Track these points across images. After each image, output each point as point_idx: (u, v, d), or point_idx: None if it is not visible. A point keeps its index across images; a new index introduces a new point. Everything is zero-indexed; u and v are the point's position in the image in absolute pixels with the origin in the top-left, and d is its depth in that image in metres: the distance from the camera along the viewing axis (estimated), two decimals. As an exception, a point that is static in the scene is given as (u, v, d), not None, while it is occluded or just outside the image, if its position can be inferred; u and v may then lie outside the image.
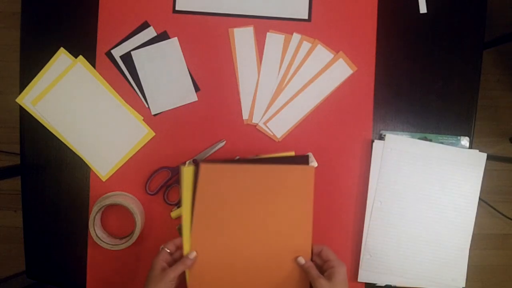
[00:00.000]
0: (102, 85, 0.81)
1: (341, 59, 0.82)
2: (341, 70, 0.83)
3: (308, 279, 0.68)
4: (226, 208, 0.70)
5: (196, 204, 0.69)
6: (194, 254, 0.69)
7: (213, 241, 0.70)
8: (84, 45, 0.81)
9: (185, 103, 0.82)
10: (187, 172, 0.69)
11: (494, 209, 1.57)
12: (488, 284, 1.60)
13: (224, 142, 0.81)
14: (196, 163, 0.70)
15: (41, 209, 0.82)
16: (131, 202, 0.77)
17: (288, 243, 0.70)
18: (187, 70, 0.82)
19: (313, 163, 0.82)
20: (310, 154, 0.82)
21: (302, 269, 0.69)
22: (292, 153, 0.77)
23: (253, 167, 0.71)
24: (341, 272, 0.66)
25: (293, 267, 0.70)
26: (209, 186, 0.69)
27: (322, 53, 0.82)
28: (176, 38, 0.82)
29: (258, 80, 0.82)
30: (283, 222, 0.70)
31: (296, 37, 0.82)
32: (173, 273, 0.65)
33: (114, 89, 0.81)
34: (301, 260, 0.69)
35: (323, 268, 0.69)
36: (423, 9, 0.83)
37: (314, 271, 0.67)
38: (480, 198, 0.82)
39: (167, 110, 0.82)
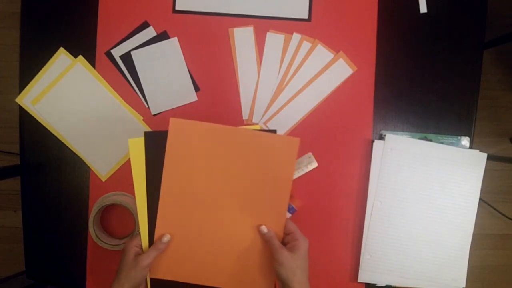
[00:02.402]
0: (102, 85, 0.81)
1: (341, 59, 0.82)
2: (341, 70, 0.82)
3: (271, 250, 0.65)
4: (198, 173, 0.65)
5: (165, 167, 0.64)
6: (167, 237, 0.66)
7: (182, 210, 0.66)
8: (84, 45, 0.81)
9: (185, 103, 0.82)
10: (134, 144, 0.64)
11: (494, 209, 1.57)
12: (488, 284, 1.60)
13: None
14: (146, 134, 0.64)
15: (41, 209, 0.82)
16: (131, 202, 0.77)
17: (261, 215, 0.67)
18: (187, 70, 0.82)
19: (313, 163, 0.82)
20: (310, 154, 0.82)
21: (264, 238, 0.66)
22: (258, 127, 0.71)
23: (233, 129, 0.65)
24: (304, 246, 0.64)
25: (260, 238, 0.67)
26: (179, 146, 0.64)
27: (322, 53, 0.82)
28: (176, 38, 0.82)
29: (258, 80, 0.82)
30: (259, 192, 0.67)
31: (296, 37, 0.82)
32: (146, 261, 0.63)
33: (114, 89, 0.81)
34: (264, 229, 0.66)
35: (285, 240, 0.67)
36: (423, 9, 0.83)
37: (276, 242, 0.65)
38: (480, 198, 0.82)
39: (167, 110, 0.82)
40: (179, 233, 0.67)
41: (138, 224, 0.76)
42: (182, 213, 0.67)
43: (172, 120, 0.64)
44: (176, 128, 0.64)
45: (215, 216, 0.68)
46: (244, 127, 0.69)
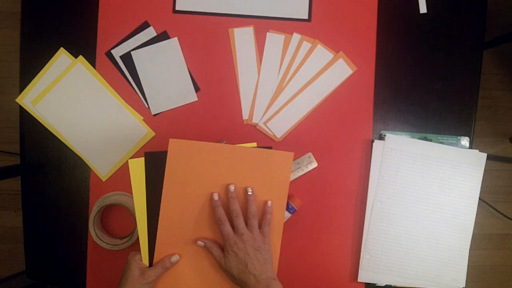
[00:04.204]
0: (102, 85, 0.81)
1: (341, 59, 0.82)
2: (341, 70, 0.83)
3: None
4: (197, 192, 0.66)
5: (165, 186, 0.65)
6: (176, 257, 0.67)
7: (181, 229, 0.67)
8: (84, 45, 0.81)
9: (185, 103, 0.82)
10: (134, 164, 0.64)
11: (494, 209, 1.57)
12: (488, 284, 1.60)
13: (224, 142, 0.81)
14: (146, 154, 0.65)
15: (41, 209, 0.82)
16: (131, 202, 0.77)
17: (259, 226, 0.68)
18: (187, 70, 0.82)
19: (313, 163, 0.82)
20: (310, 154, 0.82)
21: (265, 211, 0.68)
22: (254, 144, 0.73)
23: (230, 147, 0.67)
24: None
25: None
26: (178, 165, 0.65)
27: (322, 53, 0.82)
28: (176, 38, 0.82)
29: (258, 80, 0.82)
30: (257, 206, 0.68)
31: (296, 37, 0.82)
32: (153, 276, 0.64)
33: (114, 89, 0.81)
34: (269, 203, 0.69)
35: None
36: (423, 9, 0.83)
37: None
38: (480, 198, 0.82)
39: (167, 110, 0.82)
40: (178, 251, 0.68)
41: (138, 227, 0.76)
42: (182, 232, 0.68)
43: (171, 141, 0.66)
44: (175, 149, 0.66)
45: (214, 233, 0.69)
46: (241, 145, 0.70)
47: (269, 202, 0.68)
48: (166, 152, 0.66)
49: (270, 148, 0.70)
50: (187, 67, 0.82)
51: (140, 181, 0.65)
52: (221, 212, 0.66)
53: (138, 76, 0.81)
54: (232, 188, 0.66)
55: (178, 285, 0.68)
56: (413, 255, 0.81)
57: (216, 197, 0.66)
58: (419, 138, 0.82)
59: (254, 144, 0.71)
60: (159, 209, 0.67)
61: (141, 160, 0.65)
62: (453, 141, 0.83)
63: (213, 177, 0.67)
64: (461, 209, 0.82)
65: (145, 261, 0.67)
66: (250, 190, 0.67)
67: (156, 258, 0.67)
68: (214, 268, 0.69)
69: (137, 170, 0.65)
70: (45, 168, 0.82)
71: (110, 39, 0.81)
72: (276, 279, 0.64)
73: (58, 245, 0.82)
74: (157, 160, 0.66)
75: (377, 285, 0.82)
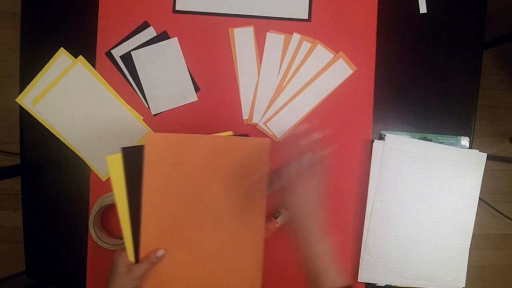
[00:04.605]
0: (102, 85, 0.81)
1: (341, 59, 0.82)
2: (341, 70, 0.83)
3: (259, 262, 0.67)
4: (177, 184, 0.66)
5: (145, 181, 0.65)
6: (162, 252, 0.66)
7: (165, 222, 0.67)
8: (84, 45, 0.81)
9: (185, 103, 0.82)
10: (112, 160, 0.64)
11: (494, 209, 1.57)
12: (488, 284, 1.60)
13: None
14: (123, 150, 0.64)
15: (41, 209, 0.82)
16: (131, 202, 0.77)
17: (242, 217, 0.68)
18: (187, 70, 0.82)
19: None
20: (310, 154, 0.82)
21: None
22: (230, 133, 0.72)
23: (206, 137, 0.67)
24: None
25: (246, 239, 0.68)
26: (157, 159, 0.65)
27: (322, 53, 0.82)
28: (176, 38, 0.82)
29: (258, 80, 0.82)
30: (238, 194, 0.68)
31: (296, 37, 0.82)
32: (140, 272, 0.63)
33: (114, 89, 0.81)
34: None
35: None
36: (423, 9, 0.83)
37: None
38: (480, 198, 0.82)
39: (167, 110, 0.82)
40: (164, 246, 0.68)
41: None
42: (165, 225, 0.68)
43: (148, 135, 0.65)
44: (152, 142, 0.65)
45: (198, 225, 0.68)
46: (217, 134, 0.70)
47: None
48: (143, 146, 0.66)
49: (246, 135, 0.70)
50: (187, 67, 0.82)
51: (120, 178, 0.65)
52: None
53: (138, 76, 0.81)
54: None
55: (167, 278, 0.68)
56: (413, 255, 0.81)
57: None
58: (419, 138, 0.82)
59: (230, 133, 0.71)
60: (140, 205, 0.67)
61: (119, 156, 0.64)
62: (453, 141, 0.83)
63: (192, 168, 0.67)
64: (461, 209, 0.82)
65: (131, 258, 0.67)
66: (320, 134, 0.66)
67: (142, 254, 0.67)
68: (201, 260, 0.69)
69: (116, 166, 0.65)
70: (45, 168, 0.82)
71: (110, 39, 0.81)
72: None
73: (58, 245, 0.82)
74: (135, 154, 0.66)
75: (377, 285, 0.82)
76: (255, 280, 0.70)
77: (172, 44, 0.82)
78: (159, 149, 0.66)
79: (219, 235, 0.69)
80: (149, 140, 0.65)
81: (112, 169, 0.64)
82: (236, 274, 0.70)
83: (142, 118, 0.82)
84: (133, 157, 0.65)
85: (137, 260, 0.67)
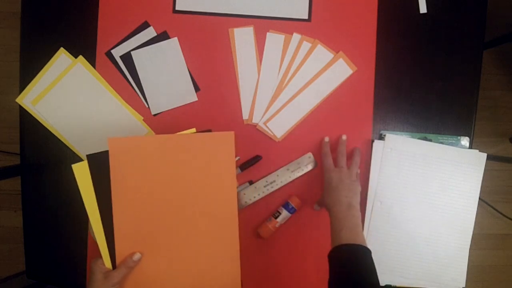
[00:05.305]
0: (102, 85, 0.81)
1: (341, 59, 0.82)
2: (341, 70, 0.82)
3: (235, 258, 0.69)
4: (146, 186, 0.66)
5: (113, 186, 0.65)
6: (138, 255, 0.66)
7: (137, 225, 0.66)
8: (84, 45, 0.81)
9: (185, 103, 0.82)
10: (78, 169, 0.63)
11: (494, 209, 1.57)
12: (488, 284, 1.60)
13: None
14: (89, 157, 0.64)
15: (41, 209, 0.82)
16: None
17: (214, 212, 0.68)
18: (187, 70, 0.82)
19: (313, 163, 0.82)
20: (310, 154, 0.82)
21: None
22: (194, 130, 0.71)
23: (169, 137, 0.67)
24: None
25: (221, 232, 0.68)
26: (122, 163, 0.65)
27: (322, 53, 0.82)
28: (176, 38, 0.82)
29: (258, 80, 0.82)
30: (208, 190, 0.68)
31: (296, 37, 0.82)
32: (117, 277, 0.63)
33: (114, 89, 0.81)
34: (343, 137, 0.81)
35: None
36: (423, 9, 0.83)
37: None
38: (480, 198, 0.82)
39: (167, 110, 0.82)
40: (139, 249, 0.67)
41: None
42: (138, 228, 0.67)
43: (110, 140, 0.65)
44: (115, 147, 0.65)
45: (171, 225, 0.68)
46: (180, 132, 0.69)
47: (344, 136, 0.81)
48: (108, 151, 0.65)
49: (209, 131, 0.70)
50: (187, 67, 0.82)
51: (88, 185, 0.65)
52: (327, 148, 0.80)
53: (138, 76, 0.81)
54: (344, 137, 0.81)
55: (146, 281, 0.68)
56: (413, 255, 0.81)
57: (326, 139, 0.81)
58: (419, 138, 0.82)
59: (193, 130, 0.71)
60: (111, 210, 0.66)
61: (85, 163, 0.64)
62: (453, 141, 0.83)
63: (159, 169, 0.67)
64: (461, 209, 0.82)
65: (108, 264, 0.66)
66: (344, 137, 0.81)
67: (118, 259, 0.66)
68: (178, 260, 0.69)
69: (83, 174, 0.65)
70: (45, 168, 0.82)
71: (110, 39, 0.81)
72: (357, 207, 0.72)
73: (58, 245, 0.82)
74: (101, 160, 0.66)
75: (377, 285, 0.82)
76: (234, 273, 0.70)
77: (172, 44, 0.82)
78: (123, 153, 0.65)
79: (193, 233, 0.68)
80: (111, 145, 0.65)
81: (79, 177, 0.64)
82: (215, 270, 0.69)
83: (142, 118, 0.82)
84: (99, 164, 0.65)
85: (114, 266, 0.66)
